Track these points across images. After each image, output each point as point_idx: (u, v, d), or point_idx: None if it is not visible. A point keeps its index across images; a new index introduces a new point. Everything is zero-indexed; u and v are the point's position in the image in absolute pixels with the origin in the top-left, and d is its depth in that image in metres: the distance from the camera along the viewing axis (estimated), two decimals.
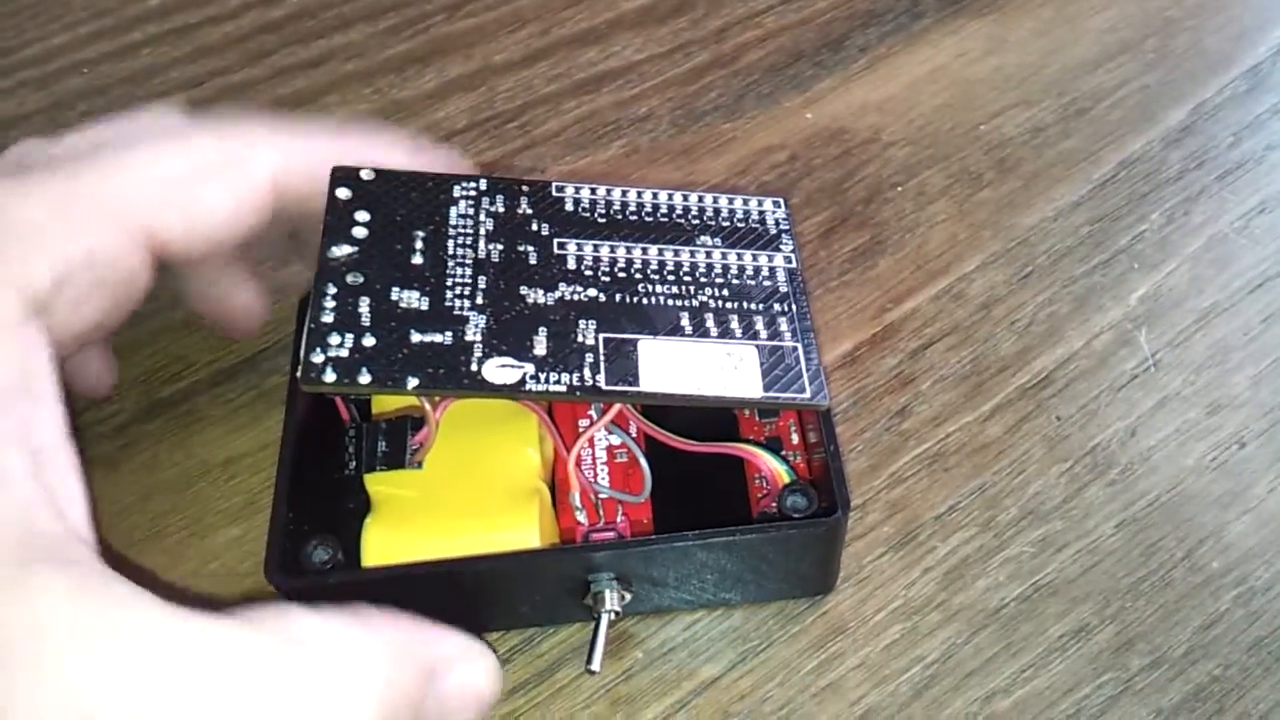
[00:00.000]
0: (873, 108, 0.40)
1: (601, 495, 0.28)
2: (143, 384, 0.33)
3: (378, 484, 0.26)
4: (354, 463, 0.25)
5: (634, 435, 0.28)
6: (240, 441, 0.31)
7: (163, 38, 0.43)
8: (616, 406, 0.26)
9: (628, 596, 0.26)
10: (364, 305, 0.24)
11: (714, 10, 0.43)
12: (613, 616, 0.25)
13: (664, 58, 0.42)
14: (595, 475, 0.28)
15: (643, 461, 0.27)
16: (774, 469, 0.27)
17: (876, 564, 0.29)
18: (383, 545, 0.25)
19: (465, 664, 0.23)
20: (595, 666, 0.25)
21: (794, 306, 0.26)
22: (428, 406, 0.25)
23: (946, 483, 0.30)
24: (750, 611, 0.28)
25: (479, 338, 0.24)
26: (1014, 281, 0.34)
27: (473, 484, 0.26)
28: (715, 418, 0.29)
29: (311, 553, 0.25)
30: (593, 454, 0.29)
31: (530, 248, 0.26)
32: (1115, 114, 0.39)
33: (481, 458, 0.26)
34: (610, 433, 0.28)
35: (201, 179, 0.25)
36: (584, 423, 0.29)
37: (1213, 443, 0.31)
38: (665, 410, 0.27)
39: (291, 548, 0.25)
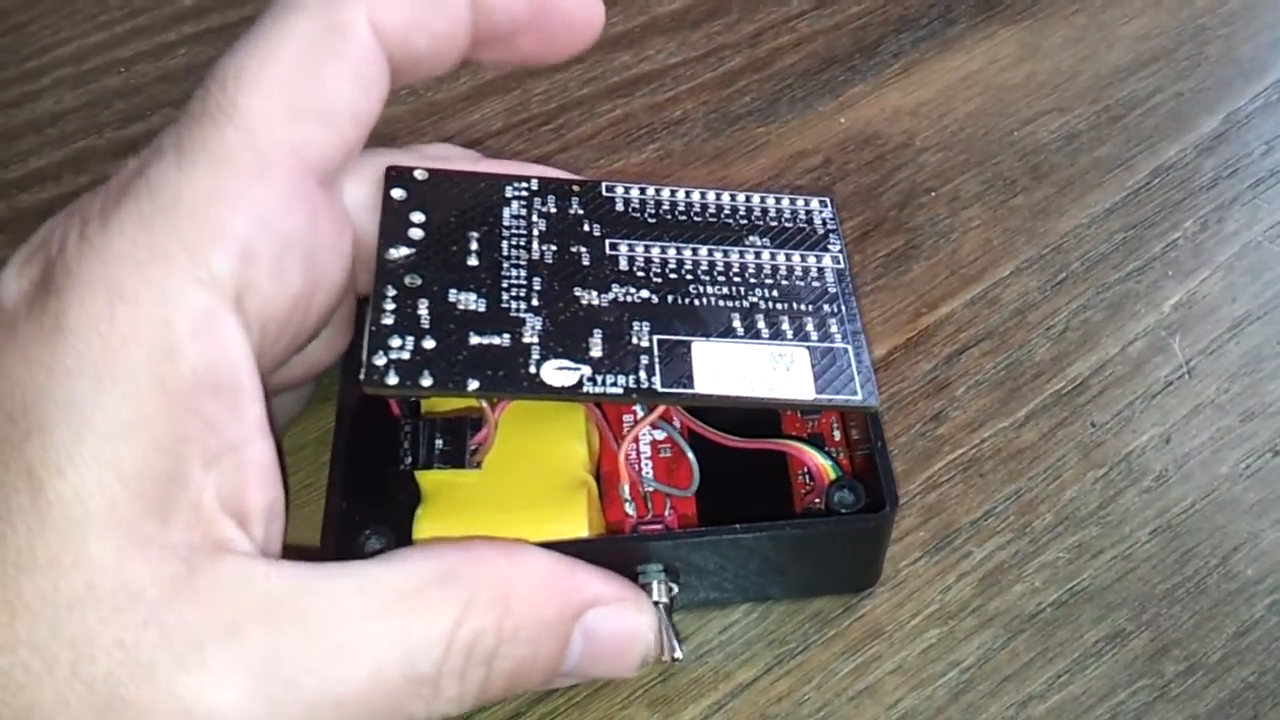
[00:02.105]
0: (906, 113, 0.40)
1: (649, 489, 0.28)
2: None
3: (428, 476, 0.26)
4: (410, 459, 0.25)
5: (679, 429, 0.28)
6: (290, 435, 0.32)
7: (199, 37, 0.44)
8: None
9: (675, 589, 0.26)
10: (423, 307, 0.24)
11: (748, 15, 0.43)
12: (660, 609, 0.25)
13: (698, 61, 0.42)
14: (641, 469, 0.28)
15: (690, 455, 0.28)
16: (820, 465, 0.27)
17: (913, 568, 0.29)
18: (434, 535, 0.25)
19: (618, 607, 0.24)
20: (679, 654, 0.25)
21: (843, 308, 0.26)
22: (486, 407, 0.25)
23: (982, 488, 0.30)
24: (786, 614, 0.28)
25: (536, 339, 0.24)
26: (1048, 287, 0.35)
27: (521, 476, 0.26)
28: (758, 415, 0.29)
29: (365, 542, 0.25)
30: (638, 448, 0.29)
31: (583, 249, 0.26)
32: (1149, 121, 0.39)
33: (529, 450, 0.26)
34: (656, 427, 0.29)
35: (314, 69, 0.23)
36: (629, 418, 0.29)
37: (1246, 450, 0.31)
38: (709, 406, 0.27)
39: (345, 538, 0.25)
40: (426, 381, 0.23)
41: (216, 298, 0.20)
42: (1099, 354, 0.33)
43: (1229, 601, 0.28)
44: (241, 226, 0.21)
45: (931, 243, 0.36)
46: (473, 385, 0.23)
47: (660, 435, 0.29)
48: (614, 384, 0.24)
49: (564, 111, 0.41)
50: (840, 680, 0.27)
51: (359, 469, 0.26)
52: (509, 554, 0.23)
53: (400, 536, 0.25)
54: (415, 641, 0.21)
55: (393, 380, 0.23)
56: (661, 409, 0.27)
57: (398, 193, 0.26)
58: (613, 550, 0.26)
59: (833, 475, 0.27)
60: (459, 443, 0.26)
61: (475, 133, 0.40)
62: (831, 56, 0.42)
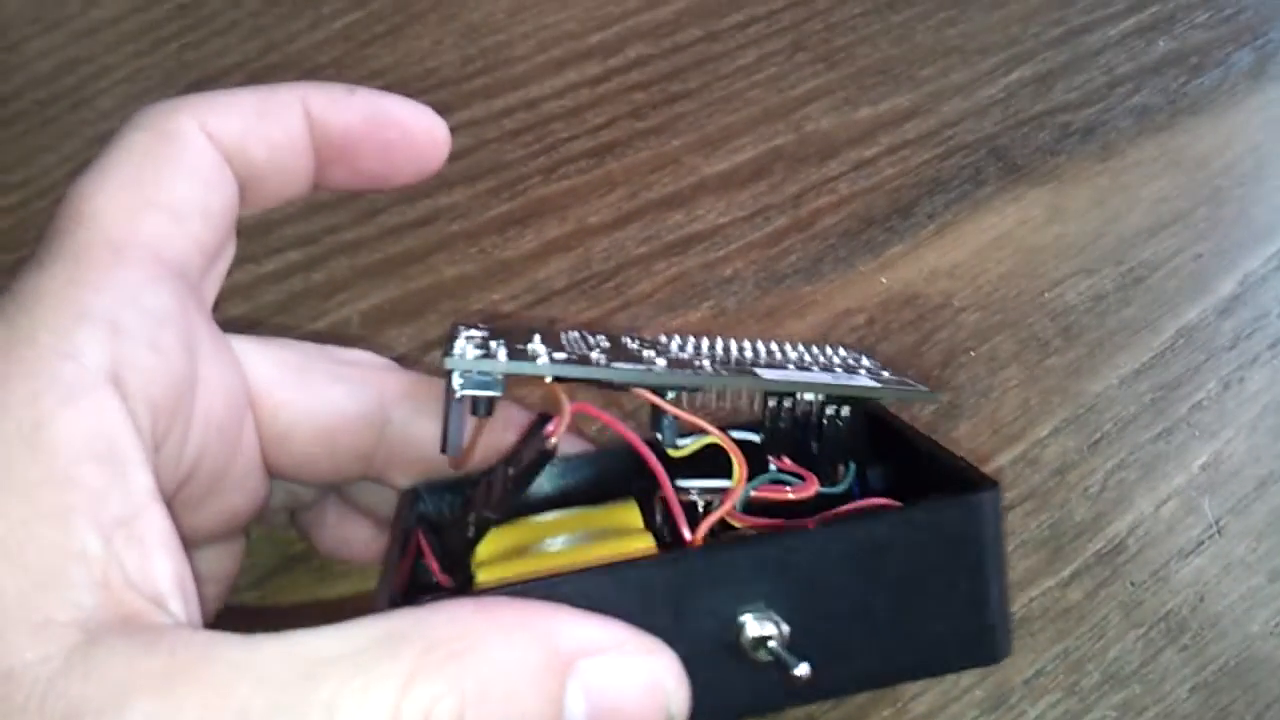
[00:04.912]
0: (943, 273, 0.43)
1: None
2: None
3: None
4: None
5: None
6: None
7: None
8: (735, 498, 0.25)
9: (784, 627, 0.22)
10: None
11: (790, 176, 0.46)
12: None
13: (745, 221, 0.45)
14: None
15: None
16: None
17: None
18: (493, 571, 0.25)
19: (620, 654, 0.20)
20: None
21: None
22: (562, 396, 0.25)
23: (1033, 647, 0.32)
24: None
25: (603, 360, 0.25)
26: (1085, 448, 0.37)
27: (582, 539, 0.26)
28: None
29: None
30: None
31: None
32: (1171, 282, 0.42)
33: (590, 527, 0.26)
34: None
35: (152, 171, 0.24)
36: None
37: (1276, 609, 0.33)
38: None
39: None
40: (501, 354, 0.24)
41: (86, 370, 0.20)
42: (1134, 514, 0.35)
43: None
44: (103, 304, 0.21)
45: (973, 402, 0.38)
46: (544, 362, 0.24)
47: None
48: (680, 375, 0.25)
49: (622, 270, 0.43)
50: None
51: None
52: (477, 606, 0.19)
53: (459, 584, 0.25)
54: (347, 713, 0.17)
55: (473, 353, 0.24)
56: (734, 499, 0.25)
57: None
58: (691, 572, 0.22)
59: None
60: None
61: (541, 290, 0.43)
62: (870, 217, 0.45)
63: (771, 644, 0.22)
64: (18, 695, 0.17)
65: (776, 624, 0.22)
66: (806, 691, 0.22)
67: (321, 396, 0.27)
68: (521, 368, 0.23)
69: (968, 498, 0.23)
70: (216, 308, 0.26)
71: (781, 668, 0.21)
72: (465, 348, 0.24)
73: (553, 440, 0.24)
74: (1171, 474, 0.36)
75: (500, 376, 0.24)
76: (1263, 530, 0.35)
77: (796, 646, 0.22)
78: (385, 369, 0.29)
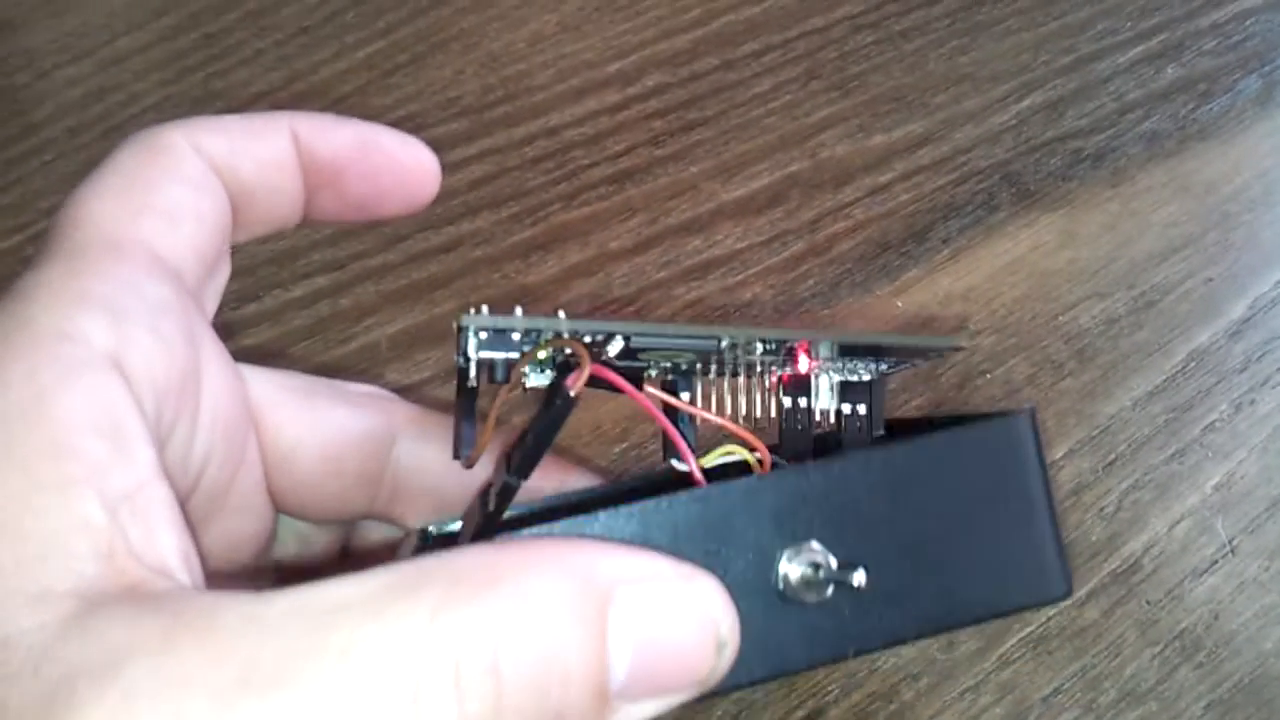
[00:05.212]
0: (958, 297, 0.43)
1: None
2: None
3: None
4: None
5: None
6: None
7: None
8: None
9: (831, 558, 0.21)
10: None
11: (806, 202, 0.47)
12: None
13: (763, 246, 0.46)
14: None
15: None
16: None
17: None
18: None
19: (660, 581, 0.18)
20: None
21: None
22: (582, 351, 0.23)
23: (1051, 665, 0.33)
24: None
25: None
26: (1100, 469, 0.38)
27: None
28: None
29: None
30: None
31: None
32: (1182, 306, 0.43)
33: None
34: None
35: (144, 178, 0.24)
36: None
37: None
38: None
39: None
40: (519, 310, 0.23)
41: (85, 349, 0.20)
42: (1149, 534, 0.36)
43: None
44: (103, 290, 0.21)
45: None
46: (562, 314, 0.23)
47: None
48: (698, 329, 0.24)
49: (643, 294, 0.44)
50: None
51: None
52: (503, 545, 0.18)
53: None
54: (364, 653, 0.16)
55: (485, 310, 0.22)
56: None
57: None
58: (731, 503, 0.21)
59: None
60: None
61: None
62: (885, 242, 0.45)
63: (820, 573, 0.21)
64: (12, 662, 0.16)
65: (823, 554, 0.21)
66: (864, 637, 0.21)
67: (326, 416, 0.27)
68: (536, 322, 0.22)
69: (1004, 418, 0.23)
70: (247, 331, 0.26)
71: (837, 595, 0.20)
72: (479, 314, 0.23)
73: (574, 390, 0.23)
74: (1185, 494, 0.37)
75: (517, 338, 0.23)
76: (1275, 549, 0.36)
77: (846, 594, 0.21)
78: (391, 399, 0.29)
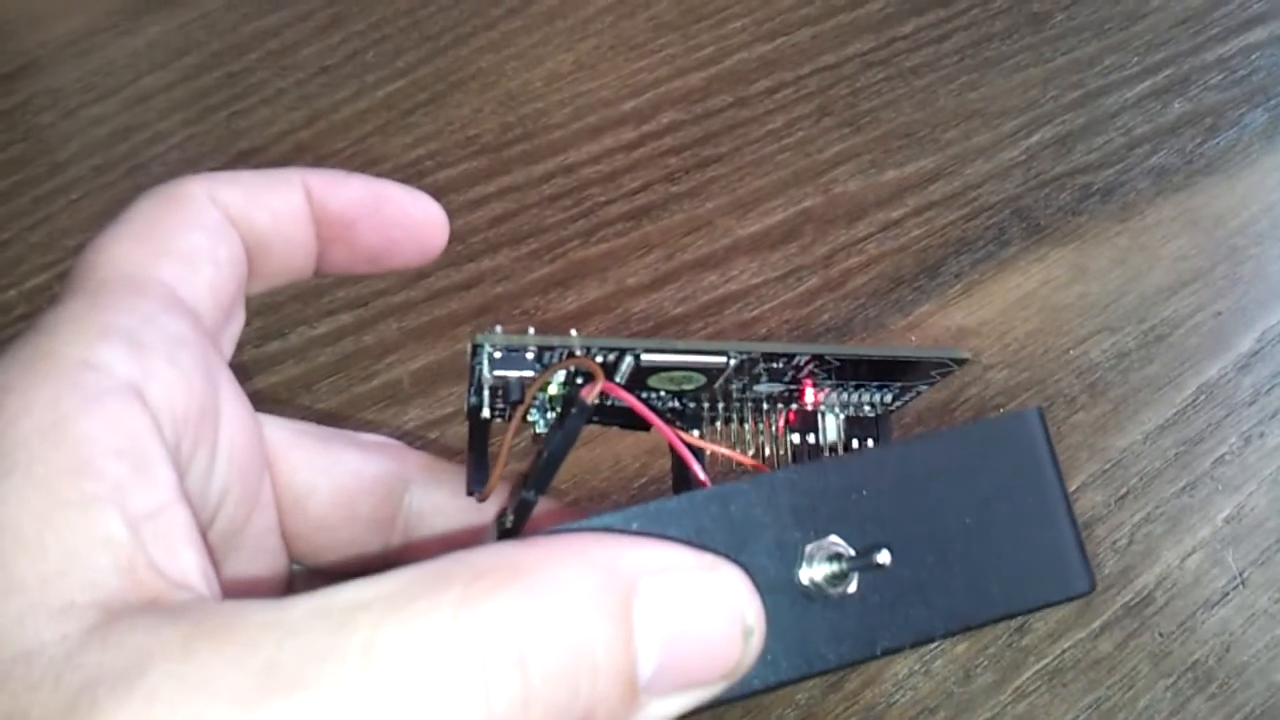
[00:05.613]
0: (970, 332, 0.44)
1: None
2: None
3: None
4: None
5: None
6: None
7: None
8: None
9: (852, 550, 0.21)
10: None
11: (820, 237, 0.48)
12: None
13: (778, 281, 0.47)
14: None
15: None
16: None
17: None
18: None
19: (683, 572, 0.18)
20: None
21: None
22: (595, 365, 0.24)
23: (1065, 698, 0.34)
24: None
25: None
26: (1112, 502, 0.38)
27: None
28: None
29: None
30: None
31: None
32: (1192, 340, 0.43)
33: None
34: None
35: (163, 224, 0.24)
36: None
37: None
38: None
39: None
40: (531, 330, 0.24)
41: (107, 378, 0.20)
42: (1161, 567, 0.37)
43: None
44: (124, 323, 0.21)
45: None
46: (575, 334, 0.23)
47: None
48: (709, 345, 0.24)
49: (660, 329, 0.45)
50: None
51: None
52: (519, 542, 0.18)
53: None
54: (388, 649, 0.16)
55: (499, 331, 0.23)
56: None
57: None
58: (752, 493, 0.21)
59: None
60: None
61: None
62: (898, 277, 0.46)
63: (843, 563, 0.20)
64: (34, 673, 0.16)
65: (844, 547, 0.21)
66: (892, 634, 0.21)
67: (340, 460, 0.27)
68: (550, 339, 0.23)
69: (1014, 413, 0.23)
70: (272, 368, 0.27)
71: (862, 588, 0.21)
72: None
73: (589, 399, 0.23)
74: (1196, 527, 0.38)
75: (530, 356, 0.23)
76: None
77: (870, 588, 0.21)
78: (403, 448, 0.30)
